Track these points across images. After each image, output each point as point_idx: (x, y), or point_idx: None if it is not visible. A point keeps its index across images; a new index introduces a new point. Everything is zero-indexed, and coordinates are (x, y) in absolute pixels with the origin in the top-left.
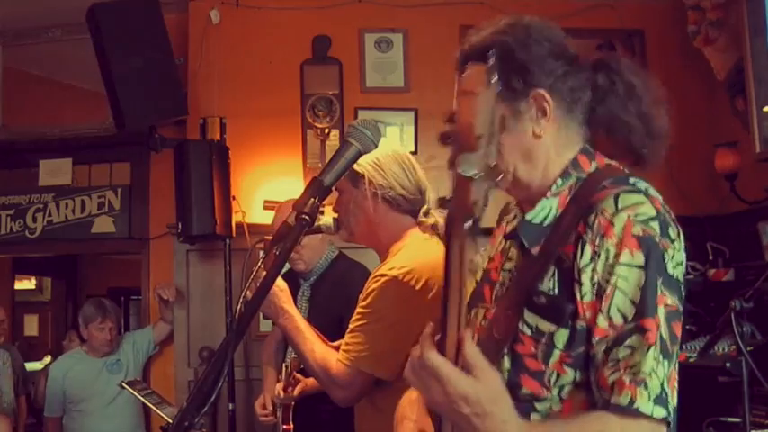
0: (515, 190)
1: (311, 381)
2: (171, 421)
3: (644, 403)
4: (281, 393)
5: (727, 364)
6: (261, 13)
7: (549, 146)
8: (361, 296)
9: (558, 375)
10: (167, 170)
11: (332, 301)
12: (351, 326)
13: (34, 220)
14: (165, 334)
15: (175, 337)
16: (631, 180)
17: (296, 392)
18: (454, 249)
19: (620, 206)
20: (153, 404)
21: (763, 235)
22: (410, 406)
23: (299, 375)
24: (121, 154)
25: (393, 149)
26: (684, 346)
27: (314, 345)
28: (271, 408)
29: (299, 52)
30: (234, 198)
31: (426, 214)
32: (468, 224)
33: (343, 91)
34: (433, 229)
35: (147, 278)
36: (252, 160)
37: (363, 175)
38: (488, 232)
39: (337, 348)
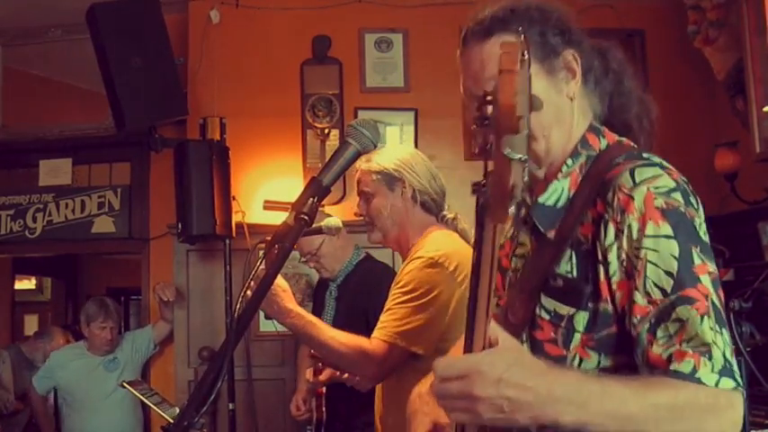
0: (537, 164)
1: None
2: (172, 421)
3: (706, 374)
4: (311, 378)
5: None
6: (261, 13)
7: (575, 110)
8: (396, 279)
9: (581, 360)
10: (167, 170)
11: (357, 296)
12: (387, 306)
13: (34, 220)
14: (165, 333)
15: (175, 337)
16: (645, 155)
17: (323, 378)
18: (488, 234)
19: (637, 180)
20: (154, 404)
21: (763, 235)
22: (420, 399)
23: None
24: (121, 154)
25: (419, 154)
26: None
27: (333, 332)
28: (303, 407)
29: (299, 52)
30: (234, 198)
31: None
32: (512, 209)
33: (343, 91)
34: (453, 223)
35: (147, 278)
36: (252, 160)
37: (401, 179)
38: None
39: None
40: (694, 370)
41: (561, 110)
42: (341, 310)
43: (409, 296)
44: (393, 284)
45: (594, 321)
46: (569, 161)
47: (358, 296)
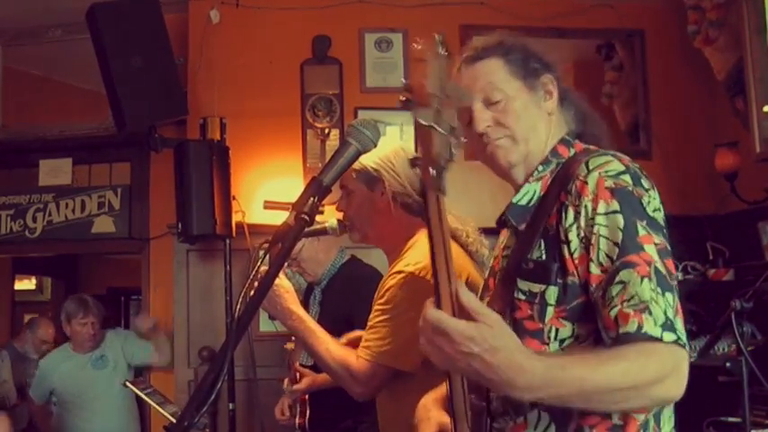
0: (519, 164)
1: (321, 376)
2: (174, 420)
3: (651, 328)
4: (288, 387)
5: (728, 364)
6: (261, 13)
7: (551, 123)
8: (378, 294)
9: (557, 330)
10: (167, 170)
11: (340, 302)
12: (370, 322)
13: (34, 220)
14: (163, 361)
15: (175, 337)
16: (601, 150)
17: (303, 386)
18: (431, 202)
19: (590, 167)
20: (156, 403)
21: (763, 235)
22: (425, 408)
23: (305, 370)
24: (121, 154)
25: (403, 149)
26: None
27: (328, 344)
28: (288, 413)
29: (299, 52)
30: (234, 198)
31: None
32: (433, 172)
33: (343, 91)
34: None
35: (147, 278)
36: (252, 160)
37: (380, 179)
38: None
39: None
40: (639, 327)
41: (539, 122)
42: (324, 315)
43: (390, 314)
44: (376, 295)
45: (564, 294)
46: (540, 167)
47: (342, 301)
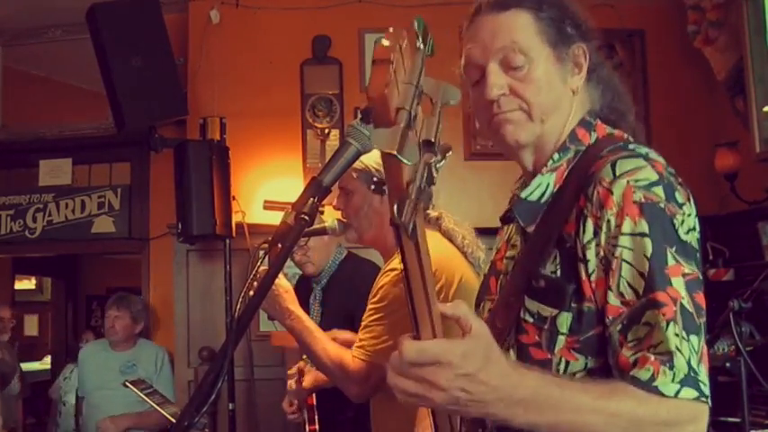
0: (528, 146)
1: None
2: (174, 420)
3: (665, 383)
4: (293, 386)
5: (727, 364)
6: (261, 13)
7: (573, 102)
8: (372, 292)
9: (567, 363)
10: (167, 170)
11: (342, 302)
12: (364, 322)
13: (34, 220)
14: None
15: (175, 337)
16: (631, 146)
17: (307, 383)
18: (405, 243)
19: (617, 172)
20: (156, 404)
21: (763, 235)
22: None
23: (306, 366)
24: (121, 154)
25: None
26: None
27: (325, 343)
28: (296, 406)
29: (299, 52)
30: (234, 198)
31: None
32: (403, 208)
33: (343, 91)
34: (437, 222)
35: (147, 278)
36: (252, 160)
37: (381, 180)
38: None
39: (348, 346)
40: (652, 378)
41: (561, 99)
42: (327, 315)
43: (384, 313)
44: (370, 296)
45: (579, 322)
46: (556, 156)
47: (344, 300)
